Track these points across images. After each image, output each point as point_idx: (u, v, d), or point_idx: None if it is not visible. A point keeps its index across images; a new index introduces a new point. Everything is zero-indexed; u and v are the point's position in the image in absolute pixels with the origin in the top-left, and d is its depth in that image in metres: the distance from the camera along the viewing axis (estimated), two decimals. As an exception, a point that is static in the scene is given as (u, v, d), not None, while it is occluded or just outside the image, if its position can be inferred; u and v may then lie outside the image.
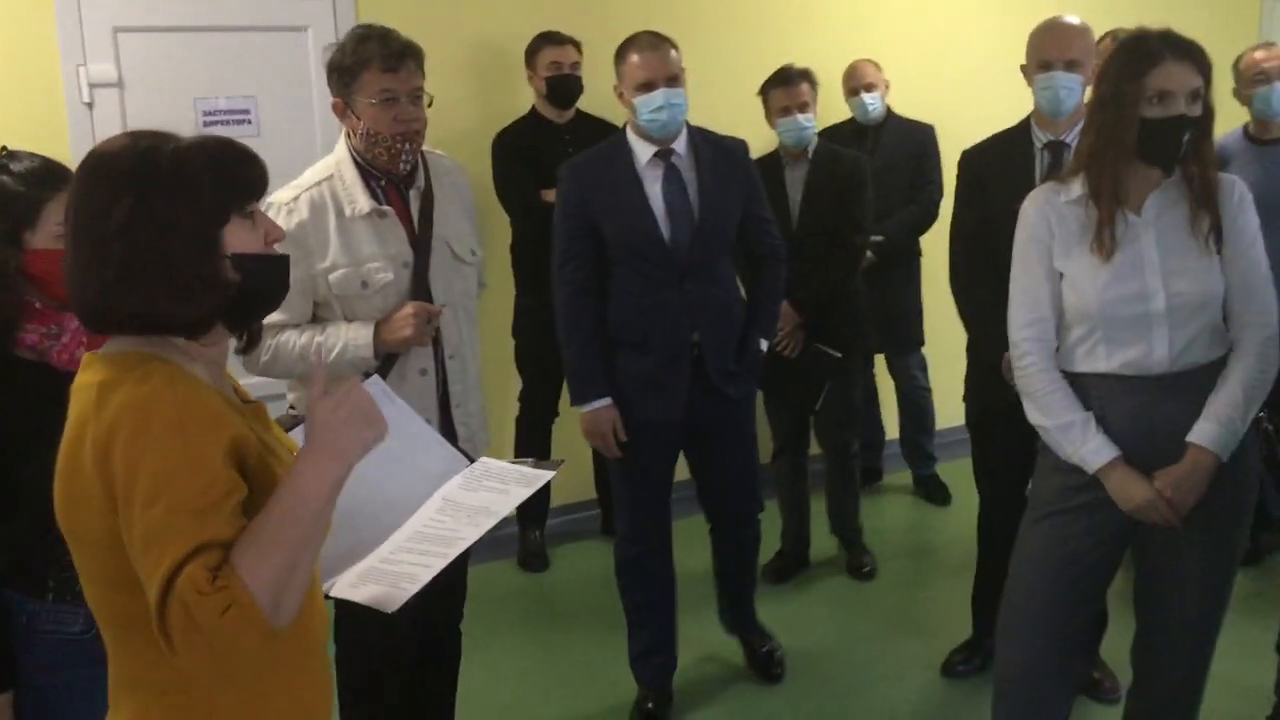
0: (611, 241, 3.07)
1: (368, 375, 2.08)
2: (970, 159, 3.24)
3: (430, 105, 2.58)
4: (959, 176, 3.25)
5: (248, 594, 1.26)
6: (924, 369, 5.07)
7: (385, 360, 2.55)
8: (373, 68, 2.46)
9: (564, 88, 4.26)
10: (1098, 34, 3.21)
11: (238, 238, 1.43)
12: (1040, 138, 3.09)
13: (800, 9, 5.13)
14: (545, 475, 1.70)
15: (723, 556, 3.51)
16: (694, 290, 3.08)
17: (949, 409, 5.59)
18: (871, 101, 4.66)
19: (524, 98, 4.40)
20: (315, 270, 2.51)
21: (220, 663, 1.27)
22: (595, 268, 3.09)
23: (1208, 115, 2.27)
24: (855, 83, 4.68)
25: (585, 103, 4.34)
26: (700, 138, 3.13)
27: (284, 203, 2.50)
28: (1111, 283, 2.31)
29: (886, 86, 4.74)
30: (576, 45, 4.29)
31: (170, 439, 1.31)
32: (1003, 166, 3.09)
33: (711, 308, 3.12)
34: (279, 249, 1.51)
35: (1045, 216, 2.41)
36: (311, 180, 2.56)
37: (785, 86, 3.91)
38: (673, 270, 3.06)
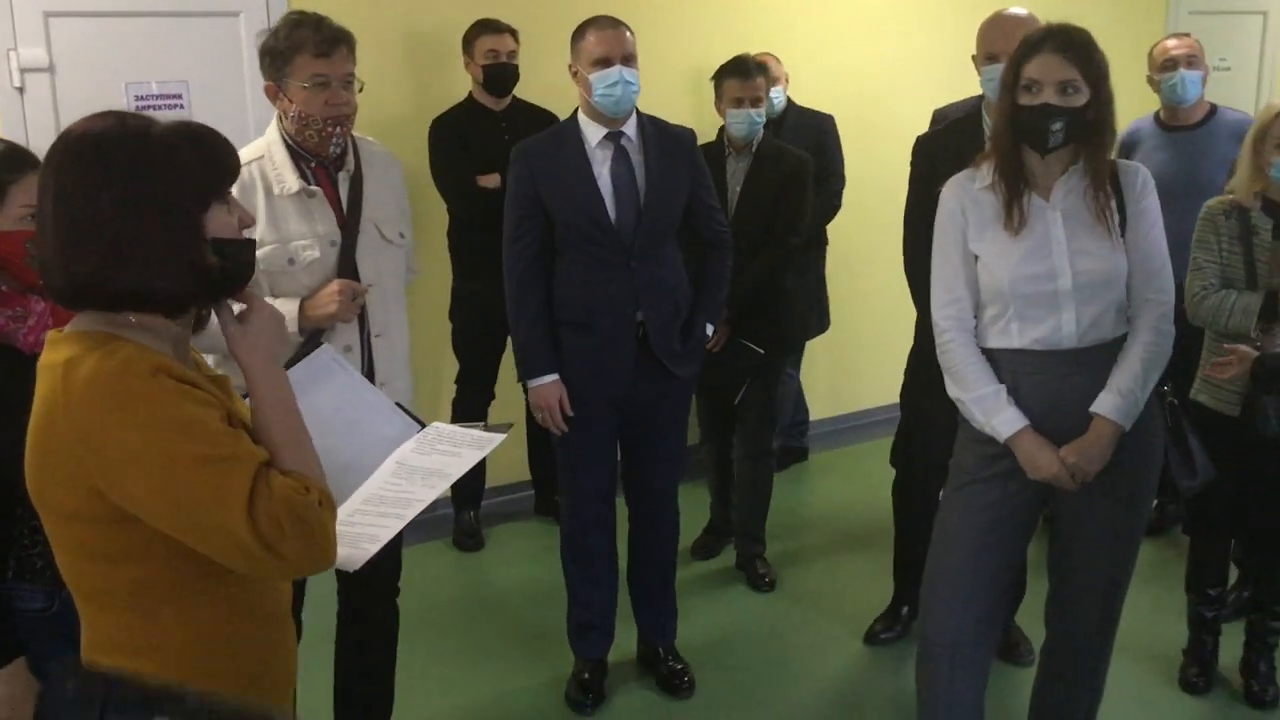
0: (559, 221, 3.13)
1: (319, 344, 2.11)
2: (924, 145, 3.32)
3: (361, 91, 2.64)
4: (913, 163, 3.32)
5: (319, 485, 1.42)
6: (797, 359, 5.08)
7: (310, 336, 2.58)
8: (305, 52, 2.51)
9: (501, 76, 4.28)
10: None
11: (217, 222, 1.46)
12: (990, 126, 3.20)
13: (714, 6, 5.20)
14: (497, 438, 1.76)
15: (639, 548, 3.49)
16: (639, 271, 3.15)
17: (844, 398, 5.74)
18: (776, 95, 4.68)
19: (460, 84, 4.43)
20: None
21: (324, 551, 1.42)
22: (544, 246, 3.16)
23: (1101, 106, 2.39)
24: None
25: (522, 90, 4.37)
26: (649, 123, 3.21)
27: None
28: (1022, 263, 2.44)
29: (786, 79, 4.80)
30: (514, 34, 4.31)
31: (161, 396, 1.36)
32: (954, 153, 3.12)
33: (656, 288, 3.19)
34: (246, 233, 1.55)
35: (960, 202, 2.54)
36: (242, 160, 2.61)
37: (741, 78, 3.92)
38: (618, 251, 3.13)
